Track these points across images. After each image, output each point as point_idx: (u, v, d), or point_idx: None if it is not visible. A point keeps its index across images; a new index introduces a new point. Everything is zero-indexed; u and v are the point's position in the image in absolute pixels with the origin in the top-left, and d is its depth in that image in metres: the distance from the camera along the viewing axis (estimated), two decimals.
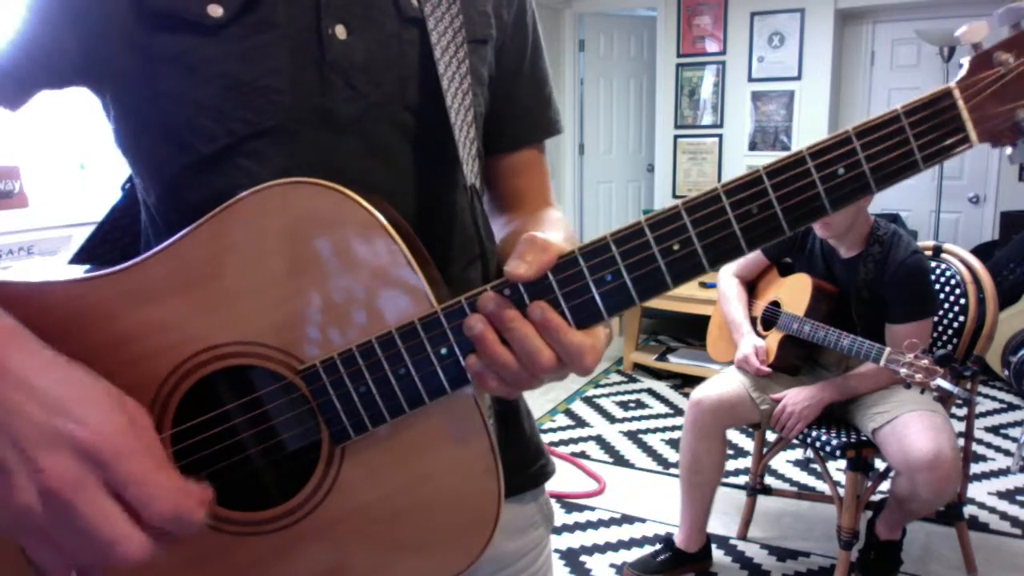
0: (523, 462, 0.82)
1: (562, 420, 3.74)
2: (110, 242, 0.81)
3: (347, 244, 0.59)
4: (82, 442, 0.49)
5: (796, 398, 2.18)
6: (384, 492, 0.62)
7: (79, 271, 0.71)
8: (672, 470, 3.15)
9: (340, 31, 0.66)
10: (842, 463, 2.16)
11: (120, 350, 0.61)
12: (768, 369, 2.26)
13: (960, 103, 0.53)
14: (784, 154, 0.55)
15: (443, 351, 0.58)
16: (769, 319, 2.39)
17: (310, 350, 0.60)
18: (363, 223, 0.59)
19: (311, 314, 0.60)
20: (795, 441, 2.31)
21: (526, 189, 0.85)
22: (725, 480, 2.44)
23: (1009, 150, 0.55)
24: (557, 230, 0.72)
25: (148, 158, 0.69)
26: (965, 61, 0.54)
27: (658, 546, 2.42)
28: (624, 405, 3.93)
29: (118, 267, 0.62)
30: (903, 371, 1.89)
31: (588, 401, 3.99)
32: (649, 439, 3.51)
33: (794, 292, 2.31)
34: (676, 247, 0.55)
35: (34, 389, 0.50)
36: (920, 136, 0.53)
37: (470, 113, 0.72)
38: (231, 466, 0.63)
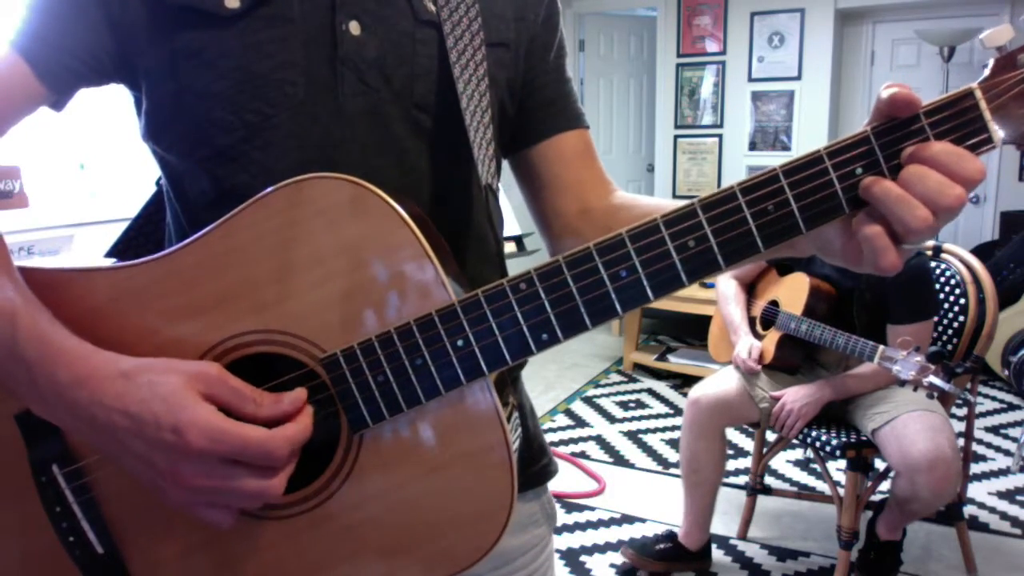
0: (526, 460, 0.82)
1: (562, 420, 3.74)
2: (145, 235, 0.84)
3: (367, 236, 0.61)
4: (188, 446, 0.56)
5: (795, 396, 2.18)
6: (399, 480, 0.64)
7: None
8: (672, 470, 3.15)
9: (354, 27, 0.67)
10: (842, 463, 2.16)
11: (150, 337, 0.63)
12: (757, 366, 2.27)
13: (982, 103, 0.52)
14: (791, 155, 0.55)
15: (459, 342, 0.60)
16: (768, 319, 2.40)
17: (330, 339, 0.62)
18: (383, 216, 0.60)
19: (331, 304, 0.61)
20: (795, 441, 2.31)
21: (588, 180, 0.82)
22: (725, 480, 2.44)
23: None
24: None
25: (172, 152, 0.70)
26: (989, 62, 0.53)
27: (661, 534, 2.43)
28: (624, 405, 3.93)
29: (148, 257, 0.64)
30: (895, 368, 1.89)
31: (588, 401, 3.99)
32: (649, 439, 3.51)
33: (792, 292, 2.32)
34: (691, 243, 0.56)
35: (130, 415, 0.57)
36: (941, 136, 0.52)
37: (487, 115, 0.72)
38: None
